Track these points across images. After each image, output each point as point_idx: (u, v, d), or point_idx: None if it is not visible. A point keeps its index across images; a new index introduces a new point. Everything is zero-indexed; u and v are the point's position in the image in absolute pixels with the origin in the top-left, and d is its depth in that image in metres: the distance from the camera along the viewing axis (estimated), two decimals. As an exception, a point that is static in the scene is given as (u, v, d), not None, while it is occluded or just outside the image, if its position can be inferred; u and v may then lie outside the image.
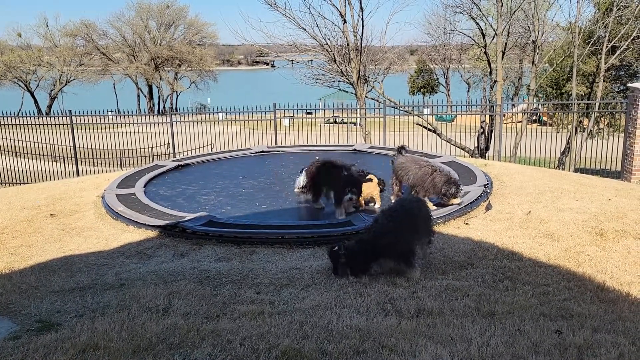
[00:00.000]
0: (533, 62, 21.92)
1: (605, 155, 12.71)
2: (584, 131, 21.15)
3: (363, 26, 17.33)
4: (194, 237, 5.69)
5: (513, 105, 26.32)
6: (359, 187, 5.99)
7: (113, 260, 5.18)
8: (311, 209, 6.68)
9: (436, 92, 51.81)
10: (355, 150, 10.15)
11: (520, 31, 23.25)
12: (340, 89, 20.01)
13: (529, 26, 21.89)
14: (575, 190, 7.09)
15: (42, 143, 16.52)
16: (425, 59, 48.96)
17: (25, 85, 49.52)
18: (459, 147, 19.19)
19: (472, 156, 18.58)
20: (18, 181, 15.92)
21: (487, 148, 20.85)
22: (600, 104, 18.33)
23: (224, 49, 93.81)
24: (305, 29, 17.39)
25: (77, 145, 14.67)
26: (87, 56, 52.77)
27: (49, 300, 4.00)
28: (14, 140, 16.20)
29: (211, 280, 4.39)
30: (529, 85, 23.27)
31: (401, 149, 6.68)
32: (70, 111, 14.45)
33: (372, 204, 6.49)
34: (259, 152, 10.24)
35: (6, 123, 15.16)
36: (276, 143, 14.03)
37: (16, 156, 17.16)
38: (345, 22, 17.56)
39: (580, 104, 19.53)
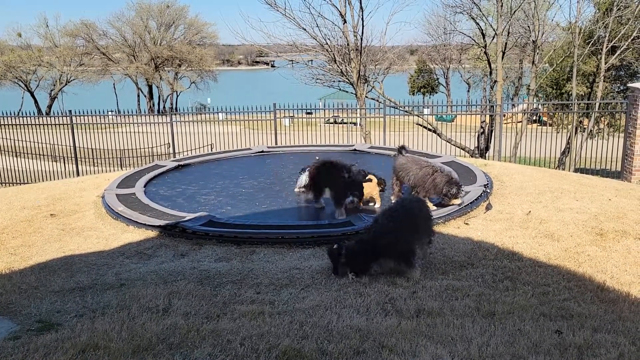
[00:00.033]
0: (533, 62, 21.92)
1: (605, 155, 12.71)
2: (584, 131, 21.15)
3: (363, 26, 17.35)
4: (194, 237, 5.69)
5: (513, 105, 26.32)
6: (361, 190, 5.98)
7: (113, 260, 5.18)
8: (311, 209, 6.68)
9: (436, 92, 51.82)
10: (355, 150, 10.15)
11: (520, 31, 23.26)
12: (340, 89, 20.01)
13: (529, 26, 21.90)
14: (575, 190, 7.09)
15: (42, 143, 16.52)
16: (425, 59, 48.97)
17: (25, 85, 49.53)
18: (459, 147, 19.19)
19: (472, 156, 18.58)
20: (18, 181, 15.92)
21: (487, 148, 20.85)
22: (600, 104, 18.33)
23: (224, 49, 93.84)
24: (305, 29, 17.40)
25: (77, 145, 14.67)
26: (87, 56, 52.78)
27: (49, 300, 4.00)
28: (14, 140, 16.20)
29: (211, 280, 4.39)
30: (529, 85, 23.28)
31: (401, 149, 6.68)
32: (70, 111, 14.46)
33: (372, 204, 6.49)
34: (259, 152, 10.24)
35: (6, 123, 15.16)
36: (276, 143, 14.04)
37: (16, 156, 17.16)
38: (345, 22, 17.56)
39: (580, 104, 19.53)
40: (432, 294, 3.97)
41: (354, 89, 17.94)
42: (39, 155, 17.21)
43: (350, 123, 24.33)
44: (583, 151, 17.25)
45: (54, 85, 50.57)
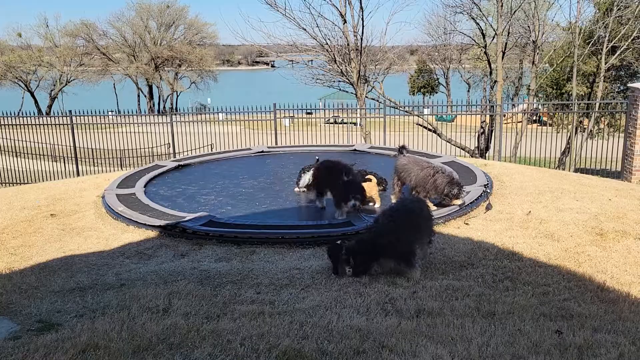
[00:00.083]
0: (533, 62, 21.92)
1: (606, 155, 12.71)
2: (584, 131, 21.14)
3: (363, 26, 17.35)
4: (194, 237, 5.69)
5: (513, 105, 26.32)
6: (363, 193, 5.97)
7: (113, 260, 5.19)
8: (311, 209, 6.69)
9: (436, 92, 51.80)
10: (355, 150, 10.15)
11: (520, 31, 23.26)
12: (340, 89, 20.00)
13: (529, 26, 21.90)
14: (575, 190, 7.09)
15: (42, 143, 16.52)
16: (426, 59, 48.96)
17: (26, 85, 49.53)
18: (459, 147, 19.18)
19: (472, 156, 18.57)
20: (18, 181, 15.91)
21: (487, 148, 20.85)
22: (600, 104, 18.32)
23: (224, 49, 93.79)
24: (305, 29, 17.39)
25: (77, 145, 14.67)
26: (87, 56, 52.78)
27: (49, 300, 4.01)
28: (14, 140, 16.20)
29: (211, 280, 4.39)
30: (529, 86, 23.28)
31: (402, 149, 6.68)
32: (70, 111, 14.46)
33: (372, 204, 6.49)
34: (259, 152, 10.24)
35: (6, 123, 15.16)
36: (276, 143, 14.03)
37: (16, 156, 17.16)
38: (345, 22, 17.56)
39: (580, 104, 19.53)
40: (432, 294, 3.97)
41: (354, 89, 17.93)
42: (39, 155, 17.21)
43: (350, 123, 24.33)
44: (583, 151, 17.24)
45: (54, 85, 50.58)
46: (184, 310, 3.62)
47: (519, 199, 6.73)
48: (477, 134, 21.88)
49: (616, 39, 20.17)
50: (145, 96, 55.93)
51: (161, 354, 2.97)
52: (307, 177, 7.07)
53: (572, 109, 17.78)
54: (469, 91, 42.35)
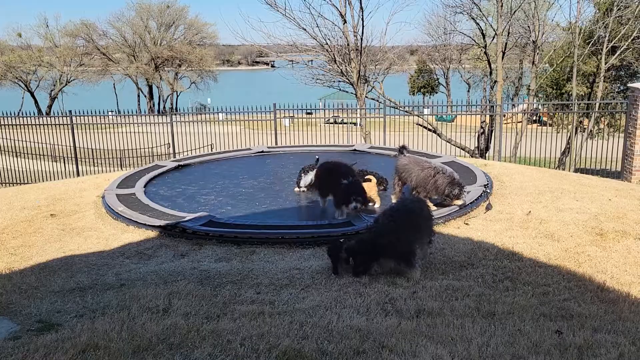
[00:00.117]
0: (533, 62, 21.92)
1: (606, 155, 12.71)
2: (584, 131, 21.14)
3: (363, 26, 17.35)
4: (194, 237, 5.69)
5: (513, 105, 26.32)
6: (364, 195, 5.95)
7: (113, 260, 5.19)
8: (311, 209, 6.70)
9: (436, 92, 51.81)
10: (355, 150, 10.15)
11: (520, 31, 23.26)
12: (340, 89, 20.00)
13: (529, 26, 21.90)
14: (575, 190, 7.09)
15: (42, 143, 16.52)
16: (426, 59, 48.95)
17: (26, 86, 49.53)
18: (459, 147, 19.18)
19: (472, 156, 18.57)
20: (18, 181, 15.91)
21: (487, 148, 20.85)
22: (600, 104, 18.32)
23: (224, 49, 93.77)
24: (305, 29, 17.39)
25: (77, 145, 14.67)
26: (87, 56, 52.78)
27: (49, 301, 4.01)
28: (14, 140, 16.20)
29: (211, 280, 4.39)
30: (529, 86, 23.28)
31: (402, 149, 6.68)
32: (70, 111, 14.45)
33: (371, 204, 6.48)
34: (259, 152, 10.24)
35: (6, 123, 15.16)
36: (276, 143, 14.03)
37: (16, 156, 17.16)
38: (345, 22, 17.56)
39: (580, 104, 19.52)
40: (432, 294, 3.97)
41: (354, 89, 17.93)
42: (39, 155, 17.21)
43: (350, 123, 24.33)
44: (583, 151, 17.24)
45: (54, 86, 50.58)
46: (184, 311, 3.62)
47: (519, 199, 6.73)
48: (477, 134, 21.88)
49: (616, 39, 20.17)
50: (145, 96, 55.93)
51: (161, 354, 2.97)
52: (309, 178, 7.09)
53: (572, 109, 17.78)
54: (469, 91, 42.36)
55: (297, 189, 7.33)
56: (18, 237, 6.20)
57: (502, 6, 19.25)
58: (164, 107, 55.07)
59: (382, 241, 4.33)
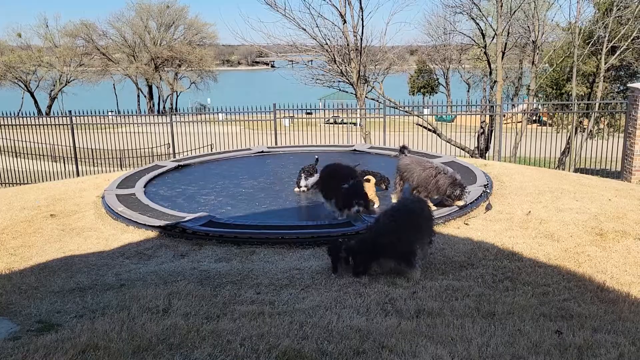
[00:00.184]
0: (533, 62, 21.92)
1: (605, 155, 12.71)
2: (584, 131, 21.14)
3: (363, 26, 17.35)
4: (194, 237, 5.69)
5: (513, 105, 26.32)
6: (367, 199, 5.91)
7: (113, 260, 5.18)
8: (311, 209, 6.70)
9: (436, 93, 51.82)
10: (355, 150, 10.15)
11: (520, 31, 23.26)
12: (340, 89, 20.00)
13: (528, 26, 21.89)
14: (575, 190, 7.09)
15: (42, 143, 16.51)
16: (425, 59, 48.98)
17: (25, 86, 49.52)
18: (459, 147, 19.18)
19: (472, 156, 18.57)
20: (18, 181, 15.91)
21: (487, 148, 20.85)
22: (600, 104, 18.32)
23: (224, 49, 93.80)
24: (305, 29, 17.40)
25: (77, 145, 14.67)
26: (87, 56, 52.77)
27: (49, 301, 4.00)
28: (14, 140, 16.19)
29: (211, 280, 4.39)
30: (529, 86, 23.27)
31: (403, 149, 6.69)
32: (70, 111, 14.45)
33: (371, 204, 6.48)
34: (259, 153, 10.24)
35: (6, 123, 15.16)
36: (276, 143, 14.03)
37: (16, 156, 17.15)
38: (345, 22, 17.56)
39: (580, 104, 19.53)
40: (432, 294, 3.97)
41: (354, 89, 17.93)
42: (39, 155, 17.21)
43: (350, 123, 24.33)
44: (583, 151, 17.24)
45: (54, 86, 50.57)
46: (183, 311, 3.62)
47: (519, 199, 6.73)
48: (477, 134, 21.88)
49: (616, 39, 20.17)
50: (145, 96, 55.92)
51: (161, 354, 2.97)
52: (312, 179, 7.19)
53: (572, 109, 17.79)
54: (468, 91, 42.38)
55: (297, 189, 7.33)
56: (18, 238, 6.20)
57: (502, 6, 19.25)
58: (164, 107, 55.08)
59: (383, 241, 4.33)
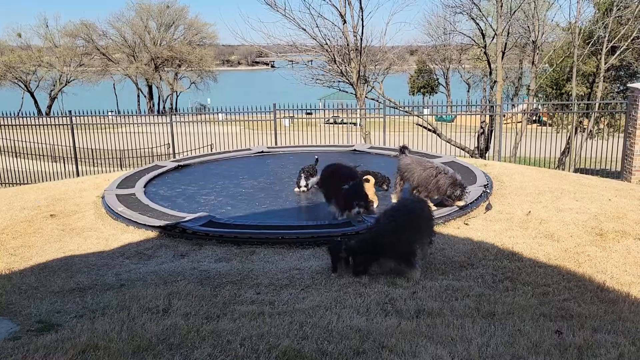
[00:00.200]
0: (533, 62, 21.91)
1: (605, 155, 12.71)
2: (584, 131, 21.14)
3: (363, 26, 17.35)
4: (194, 237, 5.69)
5: (513, 105, 26.31)
6: (367, 200, 5.89)
7: (113, 260, 5.18)
8: (311, 209, 6.70)
9: (436, 93, 51.82)
10: (355, 150, 10.15)
11: (520, 31, 23.25)
12: (340, 89, 20.00)
13: (528, 26, 21.89)
14: (575, 190, 7.09)
15: (42, 143, 16.51)
16: (425, 59, 48.97)
17: (25, 86, 49.51)
18: (459, 147, 19.18)
19: (472, 156, 18.57)
20: (18, 181, 15.91)
21: (487, 148, 20.84)
22: (600, 104, 18.32)
23: (224, 49, 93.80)
24: (305, 29, 17.39)
25: (77, 145, 14.67)
26: (87, 56, 52.75)
27: (49, 301, 4.00)
28: (14, 140, 16.19)
29: (211, 280, 4.39)
30: (528, 86, 23.27)
31: (404, 149, 6.70)
32: (70, 111, 14.45)
33: (371, 205, 6.47)
34: (258, 153, 10.24)
35: (6, 123, 15.16)
36: (276, 143, 14.03)
37: (16, 156, 17.15)
38: (345, 22, 17.56)
39: (580, 104, 19.52)
40: (432, 294, 3.97)
41: (354, 89, 17.93)
42: (39, 155, 17.20)
43: (350, 123, 24.32)
44: (583, 151, 17.24)
45: (54, 86, 50.56)
46: (183, 311, 3.62)
47: (519, 199, 6.73)
48: (476, 134, 21.88)
49: (616, 39, 20.16)
50: (145, 96, 55.92)
51: (161, 354, 2.97)
52: (313, 180, 7.22)
53: (571, 109, 17.78)
54: (468, 91, 42.38)
55: (297, 189, 7.33)
56: (18, 238, 6.20)
57: (502, 6, 19.25)
58: (164, 108, 55.08)
59: (383, 241, 4.33)
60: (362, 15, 17.23)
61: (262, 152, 10.27)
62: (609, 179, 9.63)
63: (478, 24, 23.35)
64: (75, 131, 14.49)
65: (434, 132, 18.53)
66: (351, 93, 18.89)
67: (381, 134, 13.98)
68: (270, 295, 4.03)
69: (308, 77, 18.87)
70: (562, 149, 19.87)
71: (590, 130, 20.76)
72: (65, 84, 50.69)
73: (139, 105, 54.24)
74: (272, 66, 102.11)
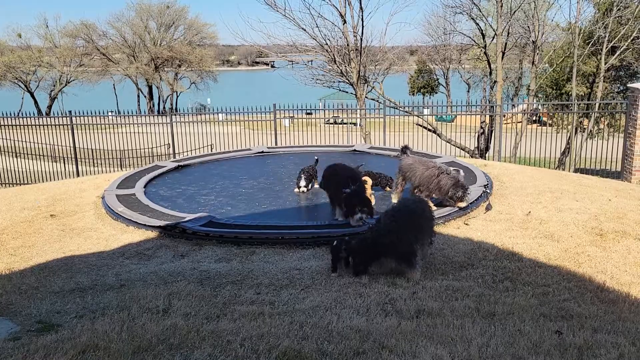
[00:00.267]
0: (533, 62, 21.91)
1: (605, 155, 12.71)
2: (584, 131, 21.14)
3: (363, 26, 17.35)
4: (194, 237, 5.69)
5: (513, 105, 26.31)
6: (370, 205, 5.83)
7: (113, 260, 5.18)
8: (311, 209, 6.70)
9: (436, 93, 51.80)
10: (355, 150, 10.15)
11: (520, 31, 23.25)
12: (340, 90, 19.99)
13: (528, 26, 21.89)
14: (575, 190, 7.09)
15: (42, 143, 16.51)
16: (425, 60, 48.93)
17: (25, 86, 49.51)
18: (459, 148, 19.18)
19: (472, 156, 18.57)
20: (18, 182, 15.91)
21: (487, 148, 20.85)
22: (600, 104, 18.32)
23: (224, 49, 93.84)
24: (305, 30, 17.40)
25: (77, 145, 14.67)
26: (87, 57, 52.74)
27: (49, 301, 4.00)
28: (14, 140, 16.19)
29: (211, 280, 4.39)
30: (529, 86, 23.27)
31: (405, 149, 6.70)
32: (70, 111, 14.45)
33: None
34: (259, 153, 10.24)
35: (6, 124, 15.16)
36: (276, 143, 14.03)
37: (16, 157, 17.16)
38: (345, 22, 17.57)
39: (580, 104, 19.52)
40: (432, 294, 3.97)
41: (354, 89, 17.93)
42: (39, 155, 17.21)
43: (350, 123, 24.33)
44: (583, 151, 17.24)
45: (54, 86, 50.56)
46: (183, 311, 3.62)
47: (519, 199, 6.73)
48: (476, 134, 21.88)
49: (616, 39, 20.16)
50: (145, 96, 55.93)
51: (161, 354, 2.97)
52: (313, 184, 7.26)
53: (572, 109, 17.78)
54: (468, 91, 42.35)
55: (297, 189, 7.33)
56: (18, 238, 6.20)
57: (502, 6, 19.25)
58: (164, 108, 55.08)
59: (384, 241, 4.33)
60: (362, 16, 17.26)
61: (262, 152, 10.27)
62: (609, 179, 9.63)
63: (478, 24, 23.37)
64: (75, 131, 14.49)
65: (434, 132, 18.54)
66: (351, 93, 18.89)
67: (381, 134, 13.99)
68: (270, 296, 4.03)
69: (308, 77, 18.89)
70: (562, 149, 19.88)
71: (590, 131, 20.76)
72: (65, 84, 50.70)
73: (139, 105, 54.25)
74: (272, 66, 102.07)
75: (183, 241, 5.67)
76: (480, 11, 22.77)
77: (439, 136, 18.63)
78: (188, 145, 16.16)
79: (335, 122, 21.50)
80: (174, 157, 13.21)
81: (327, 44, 17.57)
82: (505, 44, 21.81)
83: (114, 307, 3.72)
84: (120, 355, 2.93)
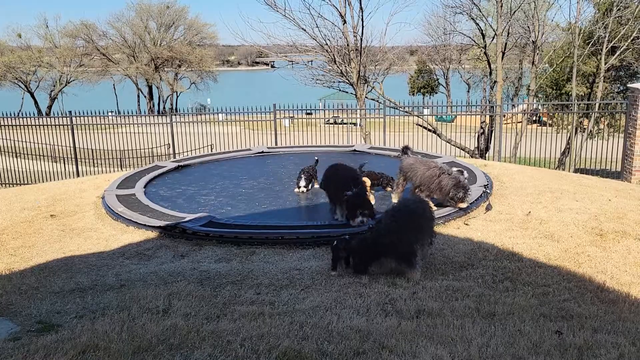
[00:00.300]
0: (533, 62, 21.91)
1: (605, 155, 12.71)
2: (584, 132, 21.14)
3: (363, 27, 17.36)
4: (194, 237, 5.69)
5: (513, 105, 26.31)
6: (371, 208, 5.81)
7: (113, 261, 5.18)
8: (311, 209, 6.70)
9: (436, 93, 51.80)
10: (355, 150, 10.15)
11: (520, 31, 23.26)
12: (340, 90, 20.00)
13: (528, 26, 21.89)
14: (575, 190, 7.09)
15: (42, 144, 16.51)
16: (425, 60, 48.91)
17: (25, 86, 49.51)
18: (459, 148, 19.18)
19: (472, 157, 18.58)
20: (18, 182, 15.91)
21: (487, 148, 20.85)
22: (600, 104, 18.32)
23: (224, 49, 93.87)
24: (305, 30, 17.41)
25: (77, 145, 14.67)
26: (87, 57, 52.74)
27: (49, 301, 4.00)
28: (14, 140, 16.20)
29: (211, 281, 4.39)
30: (529, 86, 23.27)
31: (406, 149, 6.70)
32: (70, 112, 14.46)
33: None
34: (259, 153, 10.24)
35: (6, 124, 15.16)
36: (276, 143, 14.03)
37: (16, 157, 17.16)
38: (345, 22, 17.57)
39: (580, 104, 19.52)
40: (432, 294, 3.97)
41: (354, 89, 17.93)
42: (39, 155, 17.21)
43: (350, 123, 24.34)
44: (583, 151, 17.24)
45: (54, 86, 50.57)
46: (183, 311, 3.62)
47: (519, 199, 6.73)
48: (477, 135, 21.88)
49: (616, 39, 20.17)
50: (145, 97, 55.93)
51: (161, 354, 2.97)
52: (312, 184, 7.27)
53: (572, 110, 17.78)
54: (468, 91, 42.34)
55: (297, 189, 7.33)
56: (18, 238, 6.20)
57: (502, 6, 19.25)
58: (164, 108, 55.09)
59: (384, 241, 4.33)
60: (362, 16, 17.26)
61: (262, 152, 10.27)
62: (609, 179, 9.63)
63: (478, 24, 23.38)
64: (75, 131, 14.50)
65: (434, 132, 18.54)
66: (351, 93, 18.89)
67: (381, 134, 13.99)
68: (270, 296, 4.03)
69: (308, 78, 18.89)
70: (562, 149, 19.88)
71: (590, 131, 20.76)
72: (65, 85, 50.70)
73: (139, 105, 54.25)
74: (272, 66, 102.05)
75: (183, 241, 5.67)
76: (480, 11, 22.79)
77: (439, 136, 18.63)
78: (188, 145, 16.16)
79: (335, 122, 21.49)
80: (174, 157, 13.21)
81: (327, 44, 17.58)
82: (505, 44, 21.82)
83: (114, 307, 3.72)
84: (120, 355, 2.93)
